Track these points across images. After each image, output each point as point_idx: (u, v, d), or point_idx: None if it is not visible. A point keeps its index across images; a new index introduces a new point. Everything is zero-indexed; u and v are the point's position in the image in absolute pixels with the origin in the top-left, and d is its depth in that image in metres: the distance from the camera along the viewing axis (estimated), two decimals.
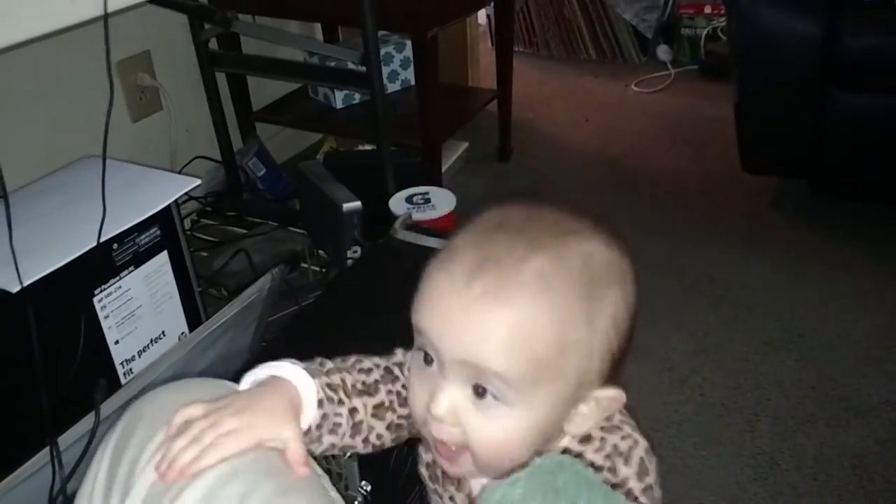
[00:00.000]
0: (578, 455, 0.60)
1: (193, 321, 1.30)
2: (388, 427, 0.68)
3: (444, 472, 0.67)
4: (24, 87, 1.55)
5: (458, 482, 0.67)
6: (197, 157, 1.98)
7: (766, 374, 1.53)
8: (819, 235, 1.94)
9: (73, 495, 0.62)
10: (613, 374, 0.60)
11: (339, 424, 0.64)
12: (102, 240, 1.09)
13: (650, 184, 2.20)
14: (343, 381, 0.66)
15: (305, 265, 1.76)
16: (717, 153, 2.31)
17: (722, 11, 2.76)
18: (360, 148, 2.11)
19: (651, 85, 2.81)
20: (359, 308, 1.16)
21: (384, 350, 0.72)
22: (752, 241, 1.93)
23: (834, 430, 1.40)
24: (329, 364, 0.67)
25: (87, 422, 0.94)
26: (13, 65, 1.45)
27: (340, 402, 0.65)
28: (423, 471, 0.71)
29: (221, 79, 1.95)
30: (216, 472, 0.54)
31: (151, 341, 1.24)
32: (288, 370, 0.63)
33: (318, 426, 0.63)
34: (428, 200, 1.64)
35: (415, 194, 1.66)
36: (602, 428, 0.61)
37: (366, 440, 0.67)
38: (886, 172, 1.82)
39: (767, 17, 1.76)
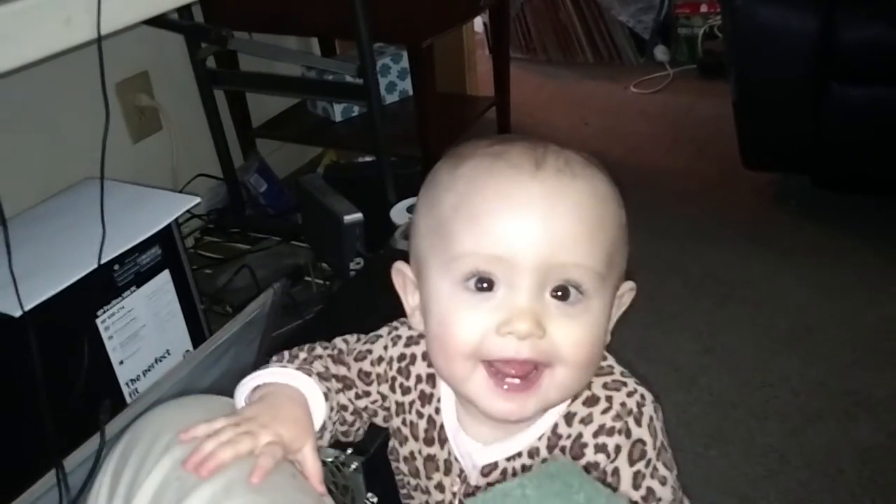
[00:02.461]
0: (587, 419, 0.58)
1: (197, 339, 1.30)
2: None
3: (427, 459, 0.64)
4: (23, 110, 1.57)
5: (447, 465, 0.64)
6: (198, 175, 1.99)
7: (774, 371, 1.53)
8: (823, 229, 1.93)
9: None
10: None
11: (346, 407, 0.66)
12: (103, 261, 1.09)
13: (652, 184, 2.20)
14: (326, 367, 0.66)
15: (309, 279, 1.76)
16: (718, 151, 2.30)
17: (718, 10, 2.75)
18: (361, 160, 2.11)
19: (650, 86, 2.81)
20: (361, 318, 1.16)
21: None
22: (757, 237, 1.93)
23: (844, 425, 1.39)
24: (303, 354, 0.67)
25: (92, 442, 0.95)
26: (12, 89, 1.46)
27: (330, 390, 0.65)
28: (401, 466, 0.68)
29: (220, 96, 1.96)
30: (211, 490, 0.53)
31: (156, 360, 1.24)
32: (287, 376, 0.63)
33: (323, 423, 0.64)
34: None
35: (415, 204, 1.66)
36: (605, 385, 0.59)
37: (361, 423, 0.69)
38: (888, 164, 1.81)
39: (762, 13, 1.76)
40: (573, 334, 0.53)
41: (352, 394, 0.67)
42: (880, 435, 1.37)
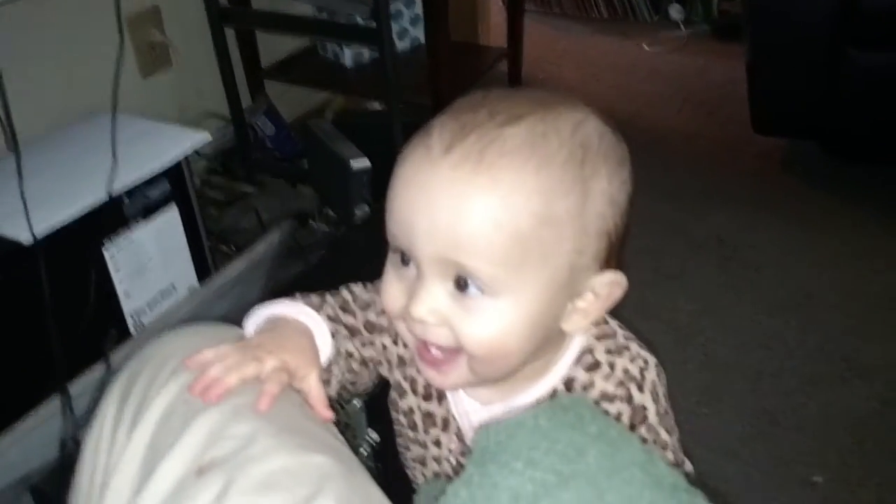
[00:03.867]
0: (589, 385, 0.58)
1: (202, 275, 1.31)
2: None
3: (426, 415, 0.65)
4: (35, 42, 1.55)
5: (445, 422, 0.64)
6: (206, 114, 1.97)
7: (771, 334, 1.54)
8: (829, 197, 1.93)
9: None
10: (611, 261, 0.56)
11: (352, 354, 0.66)
12: (113, 193, 1.09)
13: (660, 144, 2.19)
14: (335, 314, 0.66)
15: (314, 223, 1.76)
16: (728, 115, 2.29)
17: None
18: (370, 107, 2.10)
19: (663, 45, 2.78)
20: (365, 266, 1.17)
21: None
22: (762, 202, 1.93)
23: (837, 390, 1.41)
24: (313, 298, 0.67)
25: (97, 370, 0.96)
26: (26, 20, 1.44)
27: (344, 336, 0.65)
28: (400, 419, 0.69)
29: (231, 36, 1.94)
30: (219, 413, 0.54)
31: (161, 294, 1.25)
32: (296, 309, 0.63)
33: (329, 364, 0.64)
34: None
35: None
36: (609, 351, 0.59)
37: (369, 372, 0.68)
38: None
39: None
40: (474, 329, 0.53)
41: (357, 342, 0.67)
42: (873, 402, 1.39)
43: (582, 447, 0.46)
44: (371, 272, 1.11)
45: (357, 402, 0.85)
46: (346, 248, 1.31)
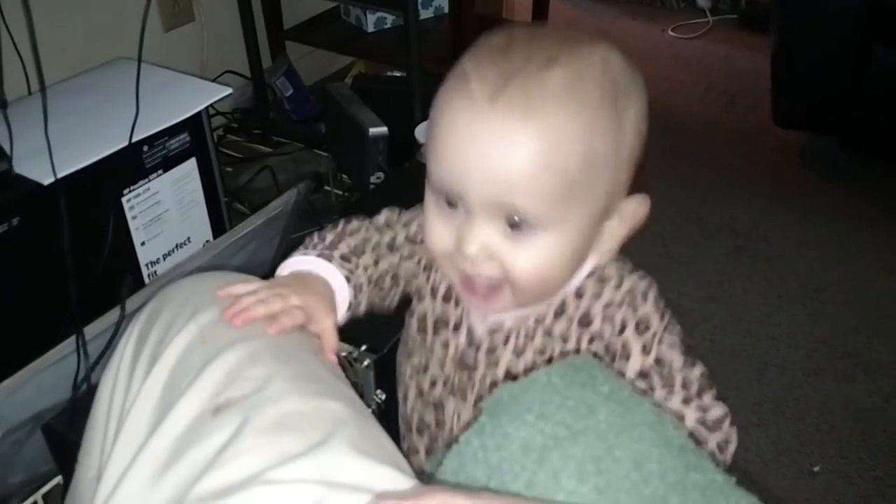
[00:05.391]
0: (597, 294, 0.61)
1: (218, 230, 1.32)
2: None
3: (438, 318, 0.68)
4: None
5: (457, 324, 0.67)
6: (226, 72, 1.97)
7: (778, 325, 1.54)
8: (844, 193, 1.92)
9: (97, 385, 0.64)
10: (635, 183, 0.60)
11: (386, 272, 0.70)
12: (134, 140, 1.09)
13: (679, 131, 2.18)
14: (356, 244, 0.69)
15: (328, 188, 1.76)
16: (749, 105, 2.28)
17: None
18: (390, 74, 2.09)
19: (688, 31, 2.75)
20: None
21: None
22: (777, 195, 1.92)
23: (840, 384, 1.42)
24: (329, 237, 0.70)
25: (112, 315, 0.97)
26: None
27: (357, 267, 0.68)
28: (412, 323, 0.71)
29: None
30: (236, 356, 0.55)
31: (177, 246, 1.26)
32: (310, 264, 0.66)
33: (356, 293, 0.67)
34: None
35: None
36: (619, 269, 0.62)
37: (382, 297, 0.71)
38: None
39: None
40: (524, 262, 0.56)
41: (396, 257, 0.71)
42: (876, 398, 1.39)
43: (593, 405, 0.48)
44: None
45: (367, 360, 0.86)
46: (360, 212, 1.32)
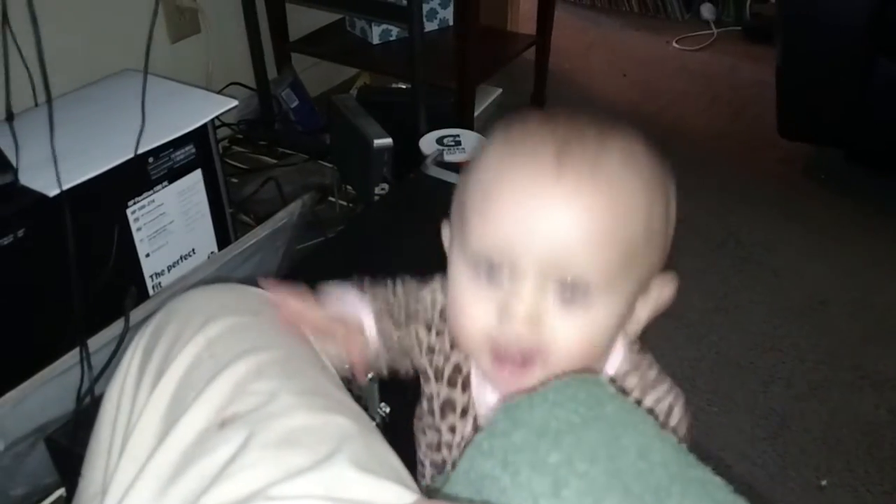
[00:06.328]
0: None
1: (223, 242, 1.32)
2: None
3: (445, 402, 0.66)
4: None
5: (464, 410, 0.65)
6: (232, 83, 1.98)
7: (784, 337, 1.54)
8: (850, 206, 1.92)
9: (101, 397, 0.63)
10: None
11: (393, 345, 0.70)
12: (139, 152, 1.10)
13: (684, 143, 2.18)
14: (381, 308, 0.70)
15: (333, 199, 1.77)
16: (754, 117, 2.28)
17: None
18: (394, 86, 2.10)
19: (693, 43, 2.76)
20: (385, 238, 1.17)
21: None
22: (783, 206, 1.92)
23: (847, 397, 1.41)
24: (369, 291, 0.71)
25: (116, 326, 0.97)
26: None
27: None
28: (423, 401, 0.69)
29: (261, 6, 1.94)
30: (243, 369, 0.55)
31: (181, 257, 1.26)
32: (359, 307, 0.69)
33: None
34: (458, 143, 1.63)
35: (446, 136, 1.65)
36: (640, 385, 0.60)
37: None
38: None
39: None
40: (569, 334, 0.53)
41: (400, 332, 0.70)
42: (882, 411, 1.38)
43: (601, 399, 0.49)
44: (387, 250, 1.11)
45: (371, 374, 0.86)
46: (363, 226, 1.32)
